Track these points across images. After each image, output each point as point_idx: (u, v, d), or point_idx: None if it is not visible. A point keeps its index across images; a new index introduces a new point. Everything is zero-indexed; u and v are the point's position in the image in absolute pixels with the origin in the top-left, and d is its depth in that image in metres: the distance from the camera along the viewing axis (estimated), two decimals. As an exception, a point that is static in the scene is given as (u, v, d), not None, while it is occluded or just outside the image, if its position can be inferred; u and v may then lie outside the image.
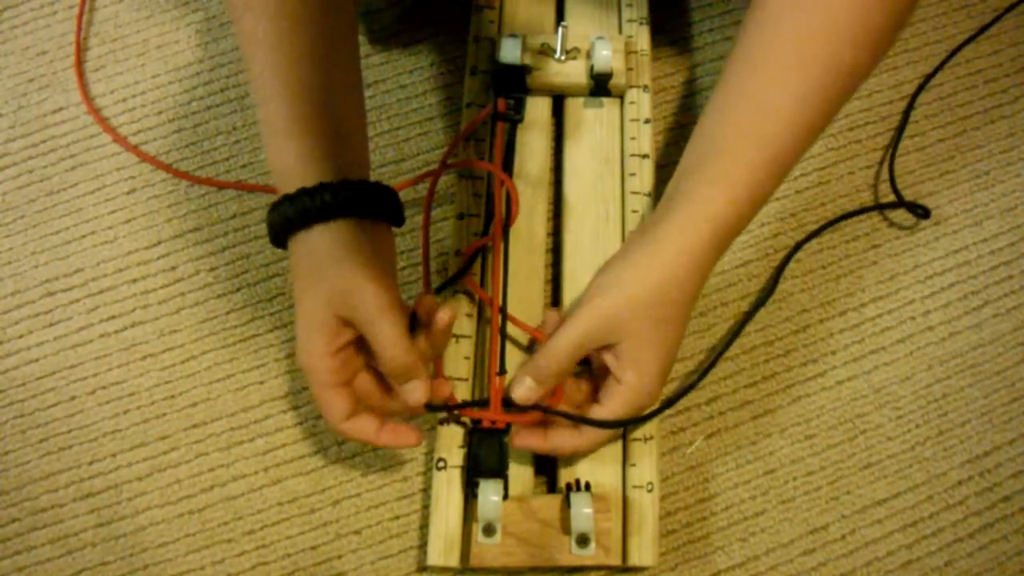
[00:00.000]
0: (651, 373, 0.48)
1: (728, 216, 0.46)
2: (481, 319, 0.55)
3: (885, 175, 0.62)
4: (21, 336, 0.58)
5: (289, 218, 0.46)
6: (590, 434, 0.49)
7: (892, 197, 0.61)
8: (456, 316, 0.52)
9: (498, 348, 0.51)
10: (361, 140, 0.51)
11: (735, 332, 0.57)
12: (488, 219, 0.57)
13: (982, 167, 0.63)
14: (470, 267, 0.55)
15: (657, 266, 0.47)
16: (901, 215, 0.61)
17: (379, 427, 0.48)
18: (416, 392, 0.47)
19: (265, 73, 0.47)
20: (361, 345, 0.48)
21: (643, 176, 0.58)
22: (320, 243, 0.46)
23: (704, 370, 0.55)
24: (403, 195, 0.51)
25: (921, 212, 0.60)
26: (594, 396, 0.50)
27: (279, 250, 0.59)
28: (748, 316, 0.58)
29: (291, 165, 0.46)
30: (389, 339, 0.45)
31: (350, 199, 0.46)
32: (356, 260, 0.45)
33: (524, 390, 0.49)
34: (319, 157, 0.47)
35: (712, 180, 0.47)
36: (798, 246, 0.60)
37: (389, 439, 0.48)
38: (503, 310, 0.53)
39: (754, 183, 0.46)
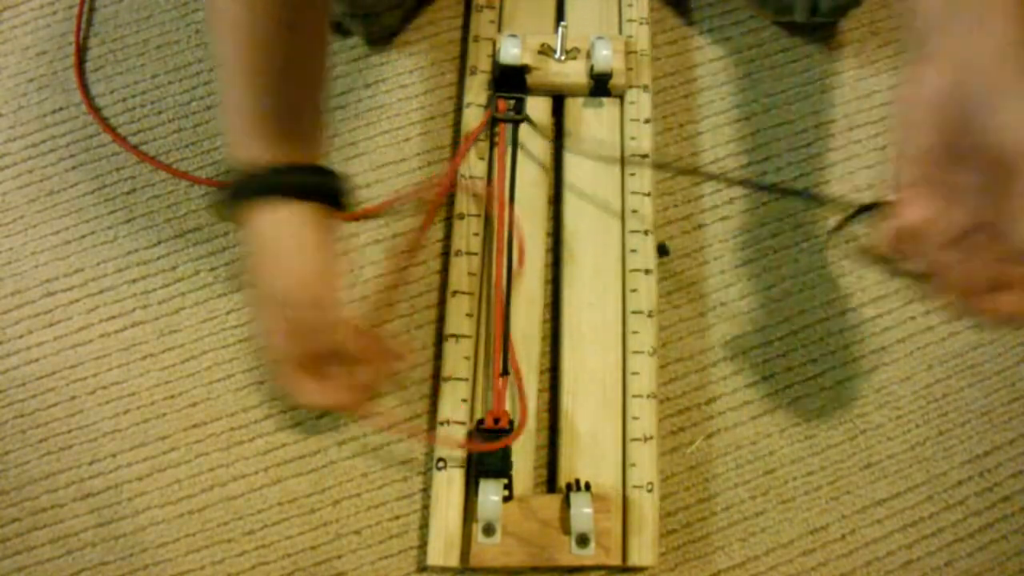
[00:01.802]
0: None
1: None
2: (481, 319, 0.55)
3: (884, 175, 0.62)
4: (21, 336, 0.58)
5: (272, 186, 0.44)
6: None
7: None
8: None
9: (501, 352, 0.52)
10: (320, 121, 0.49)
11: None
12: (489, 220, 0.57)
13: (982, 167, 0.63)
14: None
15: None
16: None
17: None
18: None
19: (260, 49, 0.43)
20: None
21: (643, 176, 0.58)
22: (298, 217, 0.45)
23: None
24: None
25: None
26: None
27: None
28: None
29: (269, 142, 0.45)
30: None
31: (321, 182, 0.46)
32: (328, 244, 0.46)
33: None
34: (296, 139, 0.45)
35: None
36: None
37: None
38: (506, 315, 0.53)
39: None
